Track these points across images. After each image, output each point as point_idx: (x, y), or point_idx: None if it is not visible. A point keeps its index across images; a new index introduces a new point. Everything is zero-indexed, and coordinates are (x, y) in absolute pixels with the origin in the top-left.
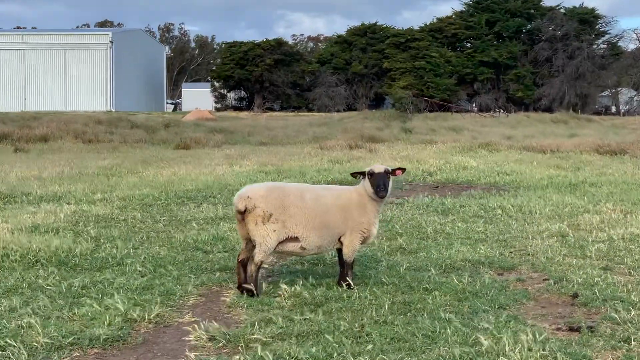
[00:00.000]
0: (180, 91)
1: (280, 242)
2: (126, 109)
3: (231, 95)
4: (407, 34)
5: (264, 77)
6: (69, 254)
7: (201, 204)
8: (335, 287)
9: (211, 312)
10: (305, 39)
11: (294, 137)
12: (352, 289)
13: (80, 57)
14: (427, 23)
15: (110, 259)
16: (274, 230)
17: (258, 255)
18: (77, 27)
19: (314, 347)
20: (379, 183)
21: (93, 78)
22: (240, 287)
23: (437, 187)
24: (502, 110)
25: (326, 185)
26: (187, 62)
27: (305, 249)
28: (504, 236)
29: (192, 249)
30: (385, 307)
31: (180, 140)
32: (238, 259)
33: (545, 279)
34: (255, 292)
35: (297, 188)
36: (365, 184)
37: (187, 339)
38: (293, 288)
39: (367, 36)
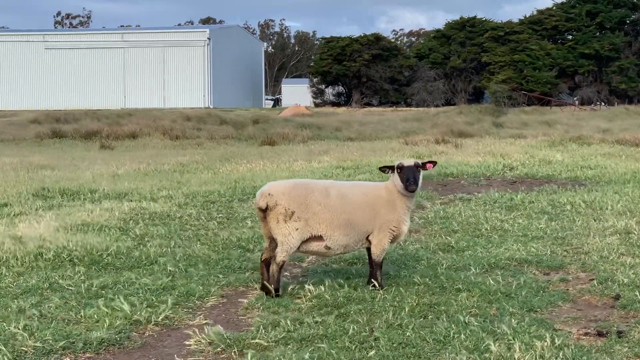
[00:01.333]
0: (280, 87)
1: (304, 242)
2: (224, 105)
3: (329, 91)
4: (506, 27)
5: (361, 73)
6: (104, 253)
7: None
8: (359, 289)
9: (227, 314)
10: (406, 34)
11: (383, 133)
12: (378, 290)
13: (179, 54)
14: (527, 15)
15: (144, 258)
16: (297, 229)
17: (280, 255)
18: (180, 25)
19: (308, 354)
20: (409, 177)
21: (191, 75)
22: (263, 288)
23: (515, 182)
24: (603, 103)
25: (355, 182)
26: (287, 58)
27: (330, 248)
28: (563, 233)
29: (234, 247)
30: (406, 310)
31: (267, 137)
32: (261, 259)
33: (592, 279)
34: (273, 292)
35: (322, 185)
36: (395, 179)
37: (188, 343)
38: (318, 289)
39: (466, 30)
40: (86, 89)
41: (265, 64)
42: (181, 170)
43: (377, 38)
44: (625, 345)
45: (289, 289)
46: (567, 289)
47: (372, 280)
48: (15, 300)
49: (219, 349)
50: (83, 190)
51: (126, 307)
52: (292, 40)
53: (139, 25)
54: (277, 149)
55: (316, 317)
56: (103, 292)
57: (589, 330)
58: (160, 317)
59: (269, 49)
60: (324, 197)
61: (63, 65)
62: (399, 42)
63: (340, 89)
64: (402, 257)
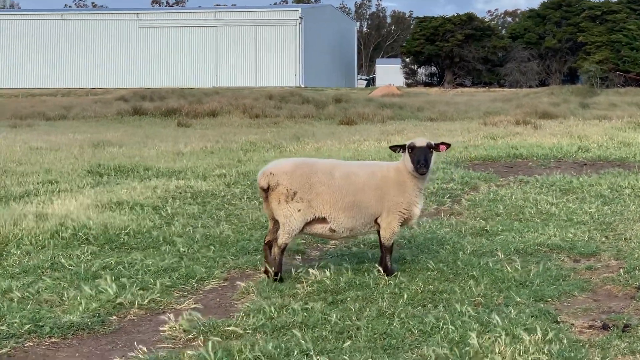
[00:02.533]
0: (375, 67)
1: (308, 223)
2: (316, 84)
3: (422, 71)
4: (603, 6)
5: (454, 53)
6: (121, 233)
7: None
8: (366, 274)
9: (222, 298)
10: (502, 14)
11: (465, 113)
12: (383, 274)
13: (270, 33)
14: None
15: (160, 239)
16: (299, 210)
17: (282, 237)
18: (275, 4)
19: (271, 343)
20: (420, 158)
21: (283, 54)
22: (266, 272)
23: (585, 164)
24: None
25: (364, 161)
26: (382, 38)
27: (335, 231)
28: (611, 218)
29: (261, 228)
30: (404, 298)
31: (345, 116)
32: (265, 241)
33: (621, 268)
34: (273, 275)
35: (327, 164)
36: (405, 159)
37: (162, 329)
38: (322, 273)
39: (562, 9)
40: (178, 68)
41: (360, 44)
42: (247, 149)
43: (470, 18)
44: (626, 340)
45: (295, 272)
46: (590, 278)
47: (379, 265)
48: (9, 280)
49: (190, 336)
50: (137, 168)
51: (111, 289)
52: (388, 20)
53: (234, 5)
54: (353, 128)
55: (306, 304)
56: (102, 272)
57: (595, 323)
58: (145, 301)
59: (364, 29)
60: (328, 178)
61: (156, 44)
62: (494, 22)
63: (433, 69)
64: (427, 241)
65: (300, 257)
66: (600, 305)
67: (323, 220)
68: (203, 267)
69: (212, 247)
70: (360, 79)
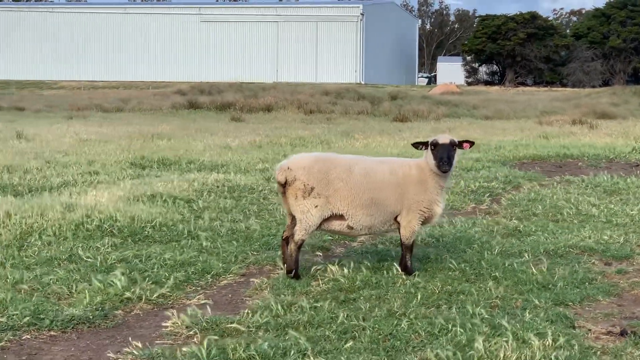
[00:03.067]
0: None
1: (325, 220)
2: (376, 81)
3: (483, 70)
4: None
5: (516, 52)
6: (147, 225)
7: None
8: (383, 272)
9: (234, 294)
10: (567, 13)
11: (522, 112)
12: (402, 274)
13: (331, 30)
14: None
15: (185, 232)
16: (316, 206)
17: (299, 233)
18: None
19: (267, 342)
20: (443, 156)
21: (344, 50)
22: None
23: (637, 165)
24: None
25: (385, 158)
26: (445, 36)
27: (352, 228)
28: None
29: None
30: (418, 298)
31: (399, 113)
32: (282, 236)
33: None
34: (287, 272)
35: (347, 160)
36: (428, 156)
37: (164, 325)
38: (341, 271)
39: (627, 9)
40: (239, 63)
41: (422, 42)
42: (296, 144)
43: (533, 17)
44: None
45: (314, 270)
46: (619, 282)
47: (398, 265)
48: (23, 271)
49: (191, 332)
50: (181, 161)
51: (120, 283)
52: (452, 18)
53: (297, 0)
54: (406, 125)
55: (316, 302)
56: (118, 265)
57: (614, 329)
58: (154, 295)
59: (427, 27)
60: (346, 174)
61: (217, 38)
62: (558, 21)
63: (494, 67)
64: (455, 240)
65: (321, 254)
66: (624, 310)
67: (341, 217)
68: (221, 262)
69: (234, 242)
70: (421, 77)
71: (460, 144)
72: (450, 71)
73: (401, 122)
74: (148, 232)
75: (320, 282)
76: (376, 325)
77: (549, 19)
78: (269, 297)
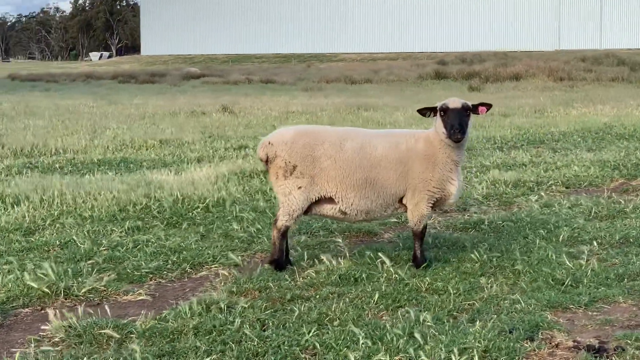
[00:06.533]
0: None
1: (315, 203)
2: None
3: None
4: None
5: None
6: (197, 206)
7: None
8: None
9: (190, 288)
10: None
11: None
12: (414, 266)
13: None
14: None
15: (222, 215)
16: (299, 187)
17: (282, 219)
18: None
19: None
20: (454, 122)
21: (635, 11)
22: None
23: None
24: None
25: (390, 130)
26: None
27: (345, 213)
28: None
29: None
30: (375, 298)
31: None
32: (274, 220)
33: None
34: (273, 263)
35: (337, 133)
36: (437, 124)
37: (44, 328)
38: (337, 262)
39: None
40: (517, 31)
41: None
42: (507, 114)
43: None
44: None
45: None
46: None
47: (414, 256)
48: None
49: (57, 339)
50: None
51: (52, 273)
52: None
53: None
54: None
55: (251, 304)
56: (105, 252)
57: (590, 342)
58: (83, 290)
59: None
60: (335, 150)
61: (500, 7)
62: None
63: None
64: (530, 223)
65: (341, 241)
66: (634, 315)
67: (331, 200)
68: (218, 250)
69: (242, 232)
70: None
71: (475, 108)
72: None
73: None
74: (192, 214)
75: (297, 276)
76: (278, 336)
77: None
78: (210, 294)
